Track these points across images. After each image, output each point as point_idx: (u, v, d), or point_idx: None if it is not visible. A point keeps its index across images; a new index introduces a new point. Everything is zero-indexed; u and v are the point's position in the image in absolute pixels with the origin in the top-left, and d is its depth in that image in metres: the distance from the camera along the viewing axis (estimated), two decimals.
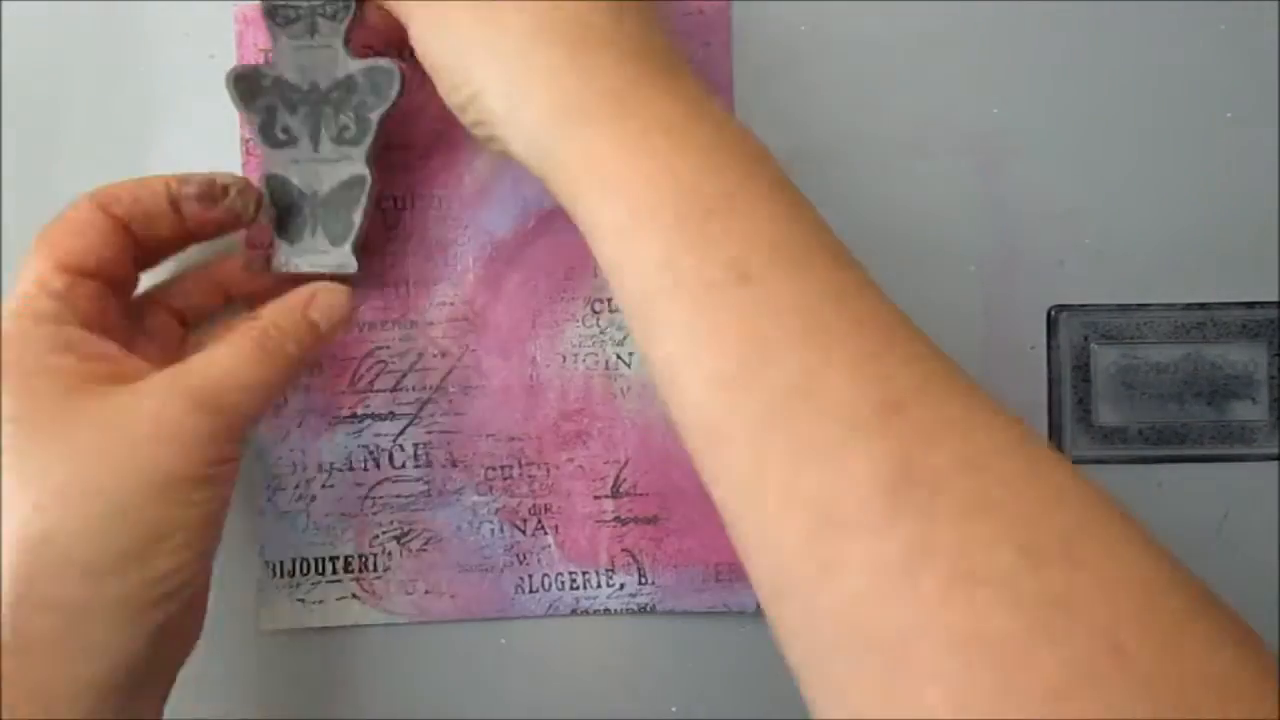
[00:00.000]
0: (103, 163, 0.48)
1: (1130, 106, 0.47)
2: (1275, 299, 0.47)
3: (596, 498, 0.47)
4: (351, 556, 0.47)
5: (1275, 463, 0.47)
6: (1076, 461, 0.47)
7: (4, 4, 0.48)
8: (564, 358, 0.47)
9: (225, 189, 0.42)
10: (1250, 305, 0.47)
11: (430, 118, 0.47)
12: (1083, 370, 0.47)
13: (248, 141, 0.47)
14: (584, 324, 0.47)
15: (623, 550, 0.47)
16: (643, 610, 0.47)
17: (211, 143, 0.48)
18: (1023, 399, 0.47)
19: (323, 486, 0.47)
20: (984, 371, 0.47)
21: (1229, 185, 0.47)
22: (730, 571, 0.47)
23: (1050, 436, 0.47)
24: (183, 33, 0.48)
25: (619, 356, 0.47)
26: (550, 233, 0.47)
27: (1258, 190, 0.47)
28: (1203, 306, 0.47)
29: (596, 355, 0.47)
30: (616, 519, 0.47)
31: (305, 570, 0.47)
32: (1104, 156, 0.47)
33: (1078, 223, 0.47)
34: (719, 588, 0.47)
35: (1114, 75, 0.47)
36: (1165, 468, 0.47)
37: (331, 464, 0.47)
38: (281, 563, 0.47)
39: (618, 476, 0.47)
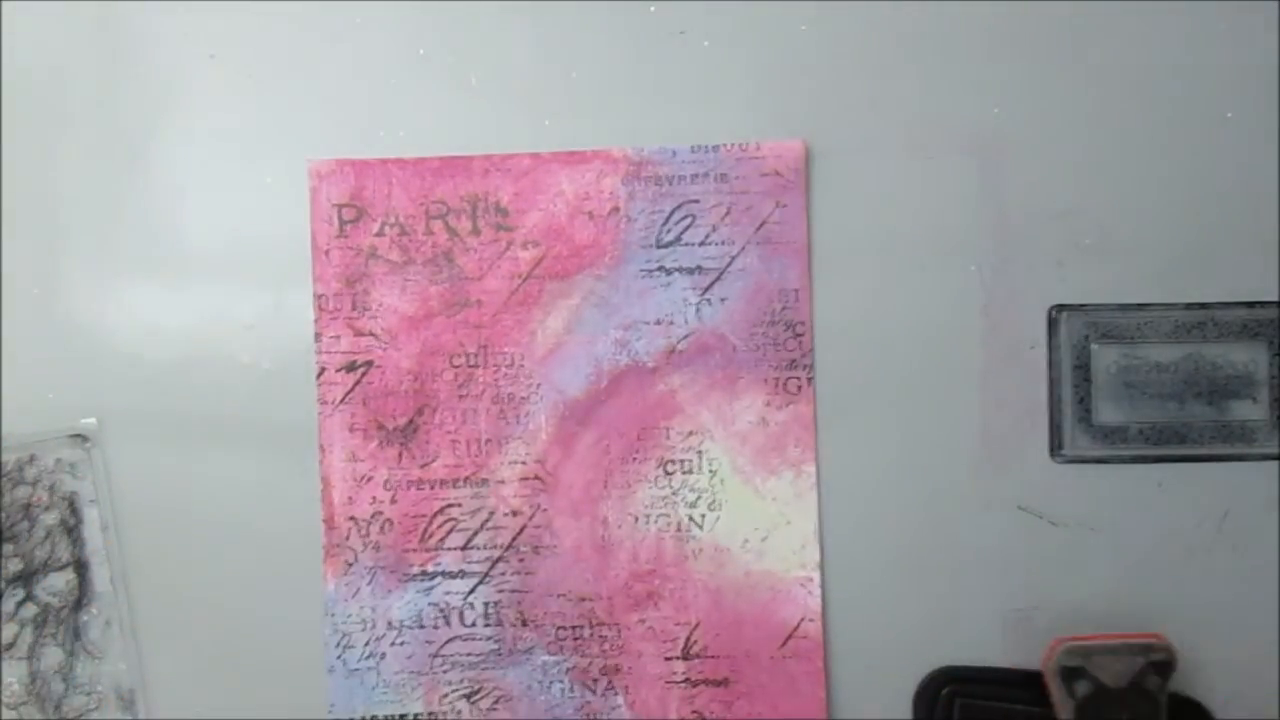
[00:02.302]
0: (103, 163, 0.48)
1: (1130, 106, 0.47)
2: (1275, 299, 0.47)
3: (667, 659, 0.47)
4: (421, 715, 0.47)
5: (1275, 462, 0.47)
6: (1076, 461, 0.47)
7: (4, 4, 0.48)
8: (636, 518, 0.47)
9: None
10: (1250, 305, 0.47)
11: (501, 275, 0.47)
12: (1083, 370, 0.47)
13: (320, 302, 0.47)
14: (656, 485, 0.47)
15: (693, 712, 0.47)
16: None
17: (211, 142, 0.48)
18: (1023, 399, 0.47)
19: (393, 644, 0.47)
20: (984, 371, 0.47)
21: (1229, 185, 0.47)
22: None
23: (1050, 436, 0.47)
24: (182, 33, 0.48)
25: (691, 518, 0.47)
26: (622, 393, 0.47)
27: (1258, 190, 0.47)
28: (1203, 306, 0.47)
29: (669, 516, 0.47)
30: (687, 680, 0.47)
31: None
32: (1104, 156, 0.47)
33: (1078, 223, 0.47)
34: None
35: (1114, 75, 0.47)
36: (1165, 467, 0.47)
37: (402, 621, 0.47)
38: None
39: (688, 638, 0.47)
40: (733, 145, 0.47)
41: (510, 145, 0.47)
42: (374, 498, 0.47)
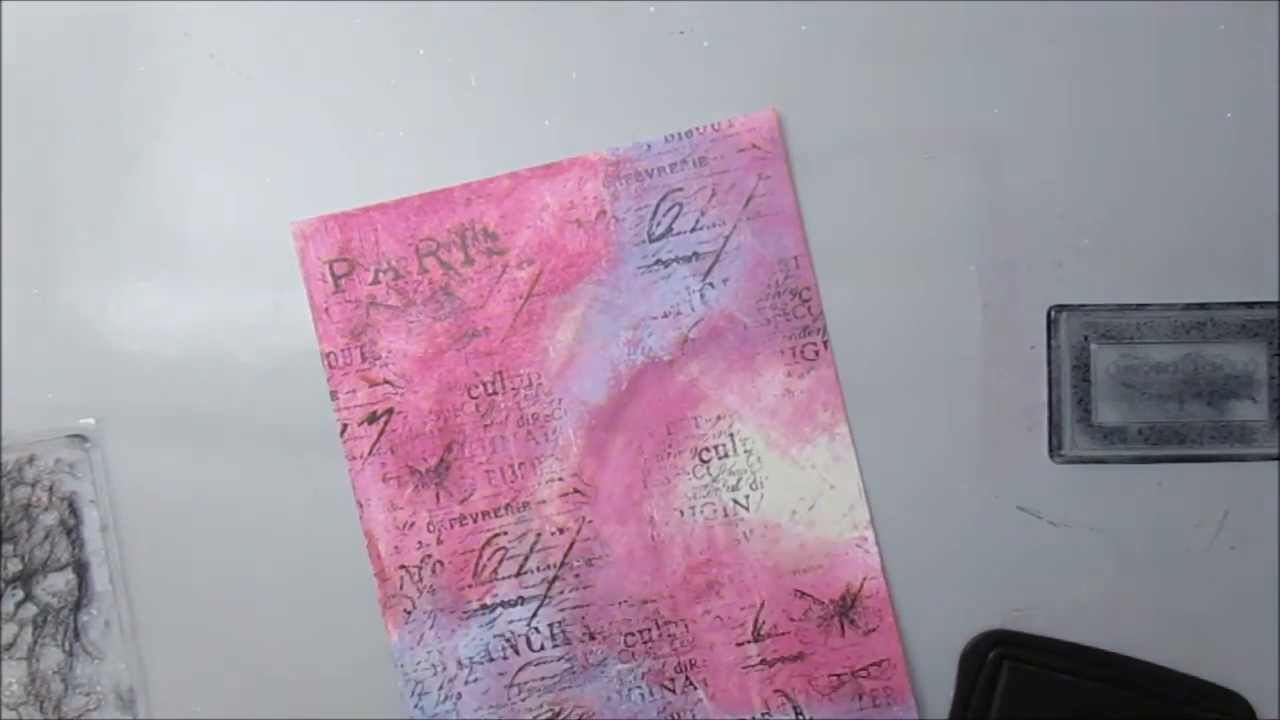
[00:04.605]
0: (103, 163, 0.48)
1: (1130, 106, 0.47)
2: (1275, 299, 0.47)
3: (739, 644, 0.47)
4: None
5: (1275, 463, 0.47)
6: (1076, 461, 0.47)
7: (4, 4, 0.48)
8: (681, 512, 0.47)
9: None
10: (1250, 305, 0.47)
11: (502, 299, 0.47)
12: (1083, 370, 0.47)
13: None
14: (695, 475, 0.47)
15: (775, 692, 0.47)
16: None
17: (211, 142, 0.48)
18: (1023, 399, 0.47)
19: (466, 682, 0.47)
20: (984, 371, 0.47)
21: (1229, 185, 0.47)
22: (878, 689, 0.47)
23: (1050, 436, 0.47)
24: (183, 33, 0.48)
25: (735, 501, 0.47)
26: (644, 391, 0.47)
27: (1258, 190, 0.47)
28: (1203, 306, 0.47)
29: (714, 504, 0.47)
30: (763, 662, 0.47)
31: None
32: (1104, 156, 0.47)
33: (1078, 223, 0.47)
34: (875, 711, 0.47)
35: (1114, 75, 0.47)
36: (1165, 467, 0.47)
37: (471, 659, 0.47)
38: None
39: (756, 620, 0.47)
40: (705, 127, 0.47)
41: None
42: (420, 542, 0.47)
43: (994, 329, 0.47)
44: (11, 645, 0.47)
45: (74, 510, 0.47)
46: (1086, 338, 0.47)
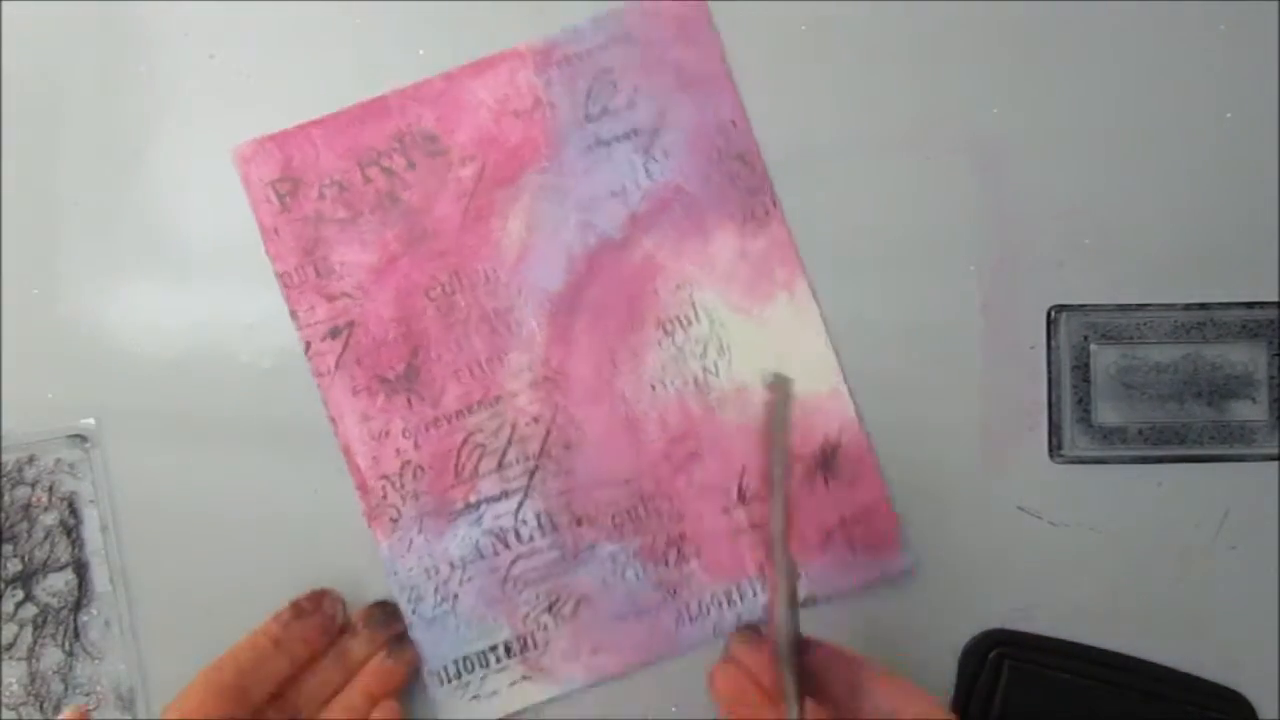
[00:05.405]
0: (103, 163, 0.48)
1: (1130, 106, 0.47)
2: (1275, 299, 0.47)
3: (726, 511, 0.47)
4: (510, 640, 0.47)
5: (1275, 463, 0.47)
6: (1076, 461, 0.47)
7: (4, 4, 0.48)
8: (653, 386, 0.47)
9: (316, 600, 0.45)
10: (1250, 305, 0.47)
11: (449, 199, 0.47)
12: (1083, 370, 0.47)
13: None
14: (661, 347, 0.47)
15: (768, 554, 0.47)
16: (805, 604, 0.47)
17: (210, 142, 0.48)
18: (1023, 399, 0.47)
19: (461, 583, 0.47)
20: (984, 371, 0.47)
21: (1229, 186, 0.47)
22: (868, 538, 0.47)
23: (1050, 436, 0.47)
24: (182, 33, 0.48)
25: (705, 369, 0.47)
26: (601, 272, 0.47)
27: (1258, 190, 0.47)
28: (1203, 306, 0.47)
29: (684, 375, 0.47)
30: (752, 525, 0.47)
31: (470, 668, 0.47)
32: (1104, 156, 0.47)
33: (1078, 223, 0.47)
34: (869, 562, 0.47)
35: (1114, 75, 0.47)
36: (1165, 467, 0.47)
37: (462, 558, 0.47)
38: (446, 668, 0.47)
39: (740, 484, 0.47)
40: (633, 3, 0.47)
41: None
42: (398, 450, 0.47)
43: (994, 329, 0.47)
44: (11, 645, 0.47)
45: (74, 510, 0.47)
46: (1086, 338, 0.47)
